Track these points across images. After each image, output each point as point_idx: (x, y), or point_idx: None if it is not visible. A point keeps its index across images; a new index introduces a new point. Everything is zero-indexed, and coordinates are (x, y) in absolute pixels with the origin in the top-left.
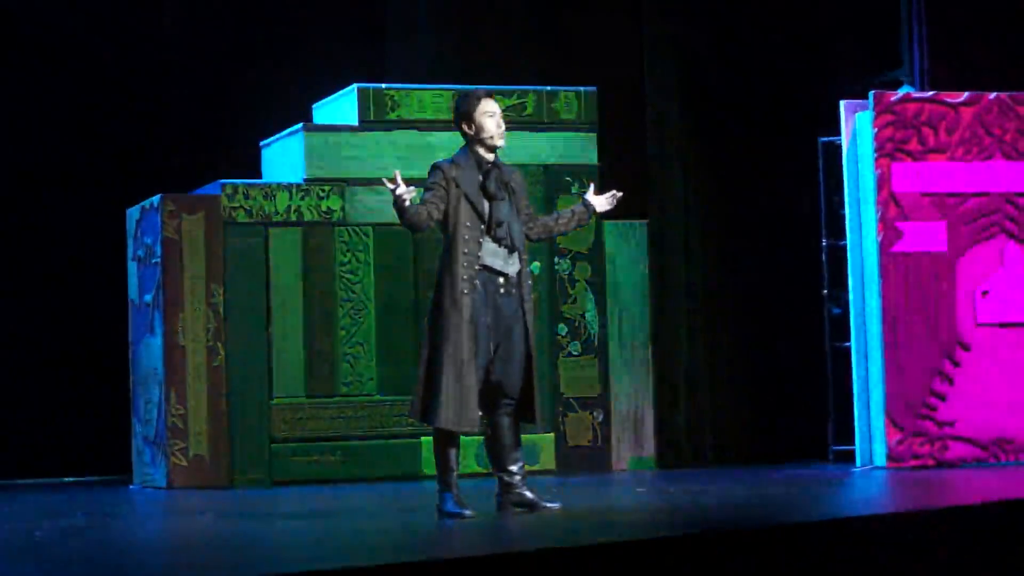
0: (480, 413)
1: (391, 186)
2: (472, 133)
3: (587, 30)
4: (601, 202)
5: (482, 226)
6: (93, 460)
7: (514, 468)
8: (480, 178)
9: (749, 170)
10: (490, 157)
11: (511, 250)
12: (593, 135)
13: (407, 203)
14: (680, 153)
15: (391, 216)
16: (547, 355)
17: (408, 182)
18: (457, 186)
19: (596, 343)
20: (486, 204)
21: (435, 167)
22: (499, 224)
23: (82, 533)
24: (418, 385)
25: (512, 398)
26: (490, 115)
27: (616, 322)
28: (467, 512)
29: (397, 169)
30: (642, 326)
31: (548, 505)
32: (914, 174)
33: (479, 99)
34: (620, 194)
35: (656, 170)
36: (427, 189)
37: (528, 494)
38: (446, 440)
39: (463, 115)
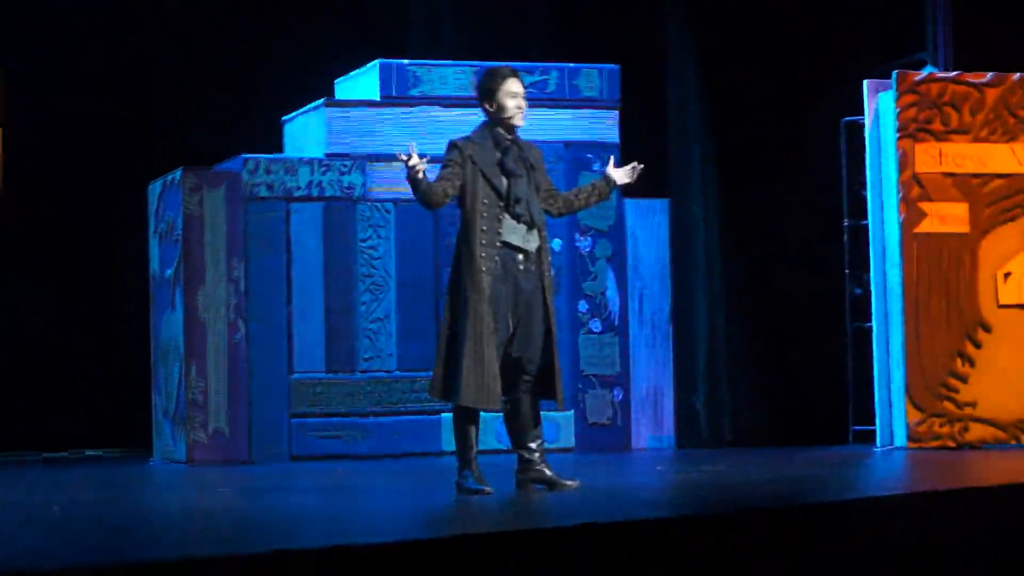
0: (500, 390)
1: (404, 158)
2: (492, 111)
3: (610, 7)
4: (621, 175)
5: (501, 203)
6: (113, 434)
7: (533, 445)
8: (498, 155)
9: (771, 149)
10: (508, 135)
11: (530, 226)
12: (615, 113)
13: (420, 176)
14: (702, 131)
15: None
16: (567, 333)
17: (427, 159)
18: (474, 163)
19: (616, 321)
20: (504, 181)
21: (452, 145)
22: (517, 200)
23: (101, 506)
24: (438, 363)
25: (532, 375)
26: (512, 95)
27: (637, 300)
28: (486, 489)
29: (416, 144)
30: (663, 304)
31: (567, 483)
32: (937, 154)
33: (504, 78)
34: (641, 166)
35: (677, 148)
36: (443, 166)
37: (547, 472)
38: (466, 417)
39: (485, 92)
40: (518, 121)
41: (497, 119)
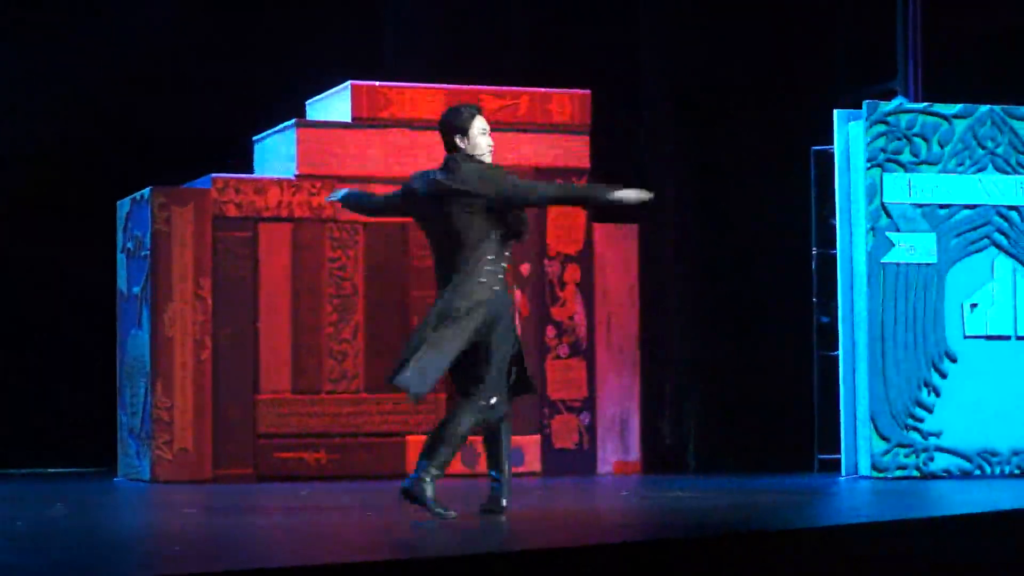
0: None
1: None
2: (466, 148)
3: (583, 32)
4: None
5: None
6: (78, 451)
7: (507, 470)
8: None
9: (741, 176)
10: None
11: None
12: (586, 138)
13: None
14: (673, 158)
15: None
16: (535, 357)
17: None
18: (483, 195)
19: (584, 346)
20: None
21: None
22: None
23: (64, 524)
24: (401, 353)
25: (519, 373)
26: (483, 132)
27: (605, 325)
28: (452, 513)
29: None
30: (631, 330)
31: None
32: (906, 185)
33: (472, 116)
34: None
35: (648, 174)
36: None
37: (503, 501)
38: (487, 434)
39: (459, 130)
40: (489, 159)
41: (468, 157)
